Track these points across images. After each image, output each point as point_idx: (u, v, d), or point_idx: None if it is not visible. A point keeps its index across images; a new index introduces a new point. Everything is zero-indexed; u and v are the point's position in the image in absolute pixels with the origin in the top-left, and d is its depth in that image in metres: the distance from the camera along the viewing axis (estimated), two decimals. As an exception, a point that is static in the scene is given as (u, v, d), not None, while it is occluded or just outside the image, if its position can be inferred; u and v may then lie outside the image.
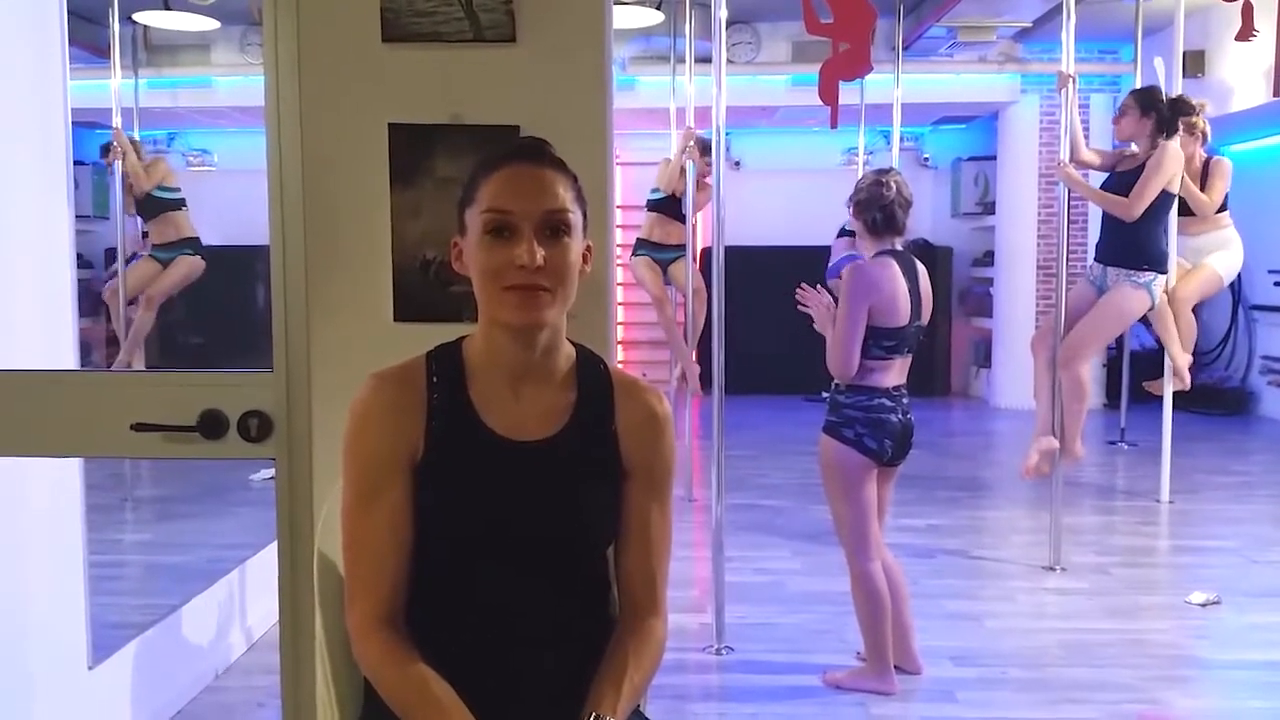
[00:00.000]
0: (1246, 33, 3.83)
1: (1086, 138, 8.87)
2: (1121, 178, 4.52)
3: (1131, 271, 4.28)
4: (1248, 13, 3.79)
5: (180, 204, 5.77)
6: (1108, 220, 4.50)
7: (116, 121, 5.51)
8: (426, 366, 1.38)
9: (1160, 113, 4.37)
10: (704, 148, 5.63)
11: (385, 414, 1.34)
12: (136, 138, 5.86)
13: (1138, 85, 6.72)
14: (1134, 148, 4.60)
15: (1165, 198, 4.34)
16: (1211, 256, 5.43)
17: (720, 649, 3.52)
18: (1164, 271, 4.33)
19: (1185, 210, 5.47)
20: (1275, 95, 4.39)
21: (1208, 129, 5.47)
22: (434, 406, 1.35)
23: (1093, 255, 4.60)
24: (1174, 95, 4.59)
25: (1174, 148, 4.38)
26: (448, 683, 1.29)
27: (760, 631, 3.72)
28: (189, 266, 5.85)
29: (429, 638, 1.34)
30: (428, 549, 1.35)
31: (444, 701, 1.28)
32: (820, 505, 3.59)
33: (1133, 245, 4.31)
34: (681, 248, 6.03)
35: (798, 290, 3.25)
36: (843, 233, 6.60)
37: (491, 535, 1.34)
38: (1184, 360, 5.18)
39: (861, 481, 3.13)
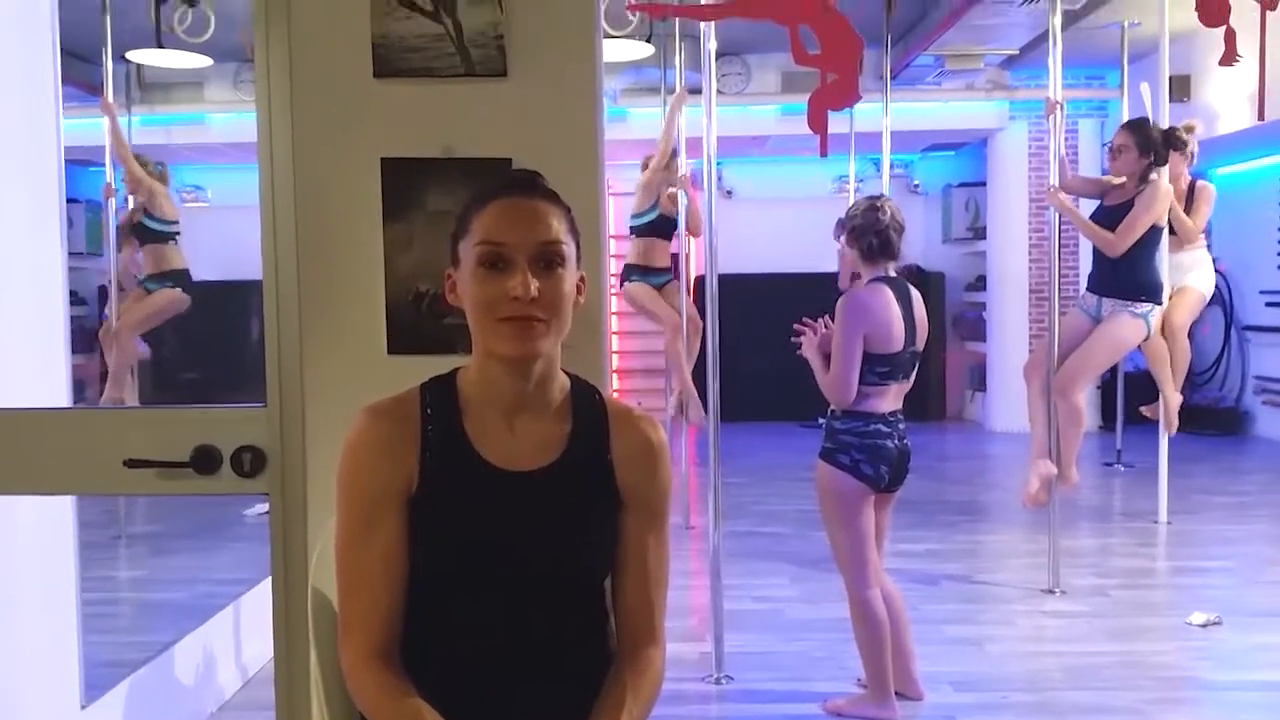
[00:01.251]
0: (1230, 58, 3.87)
1: (1075, 163, 9.03)
2: (1110, 212, 4.52)
3: (1129, 303, 4.29)
4: (1230, 38, 3.83)
5: (169, 237, 5.72)
6: (1100, 251, 4.52)
7: (109, 158, 5.53)
8: (420, 399, 1.38)
9: (1158, 151, 4.39)
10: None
11: (379, 447, 1.34)
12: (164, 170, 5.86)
13: (1125, 110, 6.82)
14: (1123, 179, 4.61)
15: (1155, 230, 4.36)
16: (1191, 277, 5.50)
17: (720, 678, 3.50)
18: (1160, 302, 4.34)
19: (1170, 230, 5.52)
20: (1260, 119, 4.41)
21: (1195, 149, 5.52)
22: (428, 439, 1.35)
23: (1085, 284, 4.60)
24: (1166, 127, 4.60)
25: (1165, 186, 4.40)
26: (443, 717, 1.28)
27: (760, 660, 3.70)
28: (168, 299, 5.74)
29: (424, 671, 1.33)
30: (423, 582, 1.35)
31: None
32: (818, 531, 3.59)
33: (1128, 276, 4.33)
34: (669, 270, 6.03)
35: (797, 326, 3.27)
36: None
37: (487, 567, 1.34)
38: (1175, 401, 5.24)
39: (859, 508, 3.13)
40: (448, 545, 1.34)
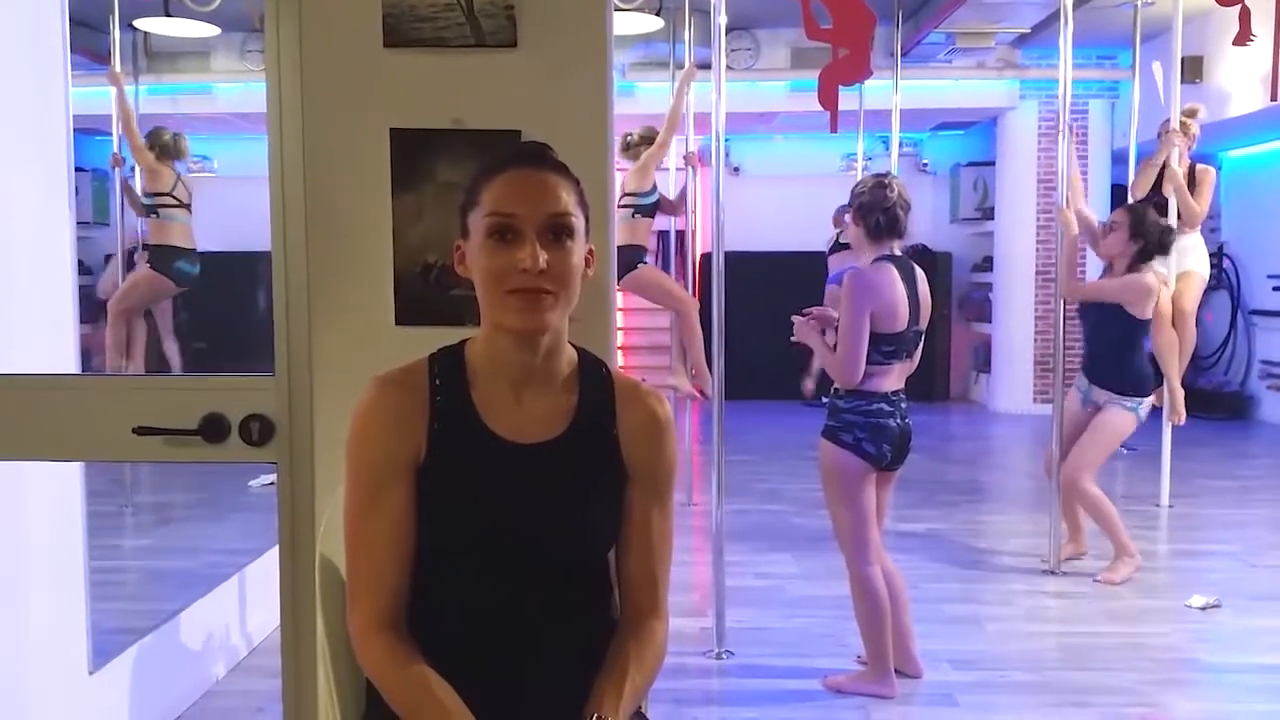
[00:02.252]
0: (1244, 37, 3.84)
1: (1086, 143, 8.96)
2: (1100, 309, 4.42)
3: (1120, 397, 4.34)
4: (1245, 18, 3.80)
5: (152, 210, 5.52)
6: (1094, 339, 4.45)
7: (117, 128, 5.49)
8: (429, 369, 1.38)
9: (1149, 241, 4.26)
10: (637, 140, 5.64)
11: (388, 417, 1.34)
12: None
13: (1136, 91, 6.77)
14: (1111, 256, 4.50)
15: (1141, 324, 4.32)
16: (1191, 260, 5.50)
17: (721, 653, 3.52)
18: (1148, 394, 4.37)
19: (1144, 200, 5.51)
20: (1272, 100, 4.37)
21: (1197, 132, 5.50)
22: (436, 409, 1.35)
23: (1081, 364, 4.57)
24: (1164, 224, 4.42)
25: (1150, 282, 4.29)
26: (449, 684, 1.30)
27: (760, 636, 3.72)
28: (141, 278, 5.60)
29: (429, 640, 1.35)
30: (429, 552, 1.36)
31: (446, 703, 1.28)
32: (819, 509, 3.60)
33: (1118, 370, 4.35)
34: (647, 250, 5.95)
35: (794, 319, 3.28)
36: (835, 248, 6.56)
37: (493, 537, 1.35)
38: (1181, 394, 5.23)
39: (860, 486, 3.14)
40: (454, 515, 1.35)
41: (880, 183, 3.18)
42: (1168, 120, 5.55)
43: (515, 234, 1.30)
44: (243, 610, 3.44)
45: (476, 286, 1.34)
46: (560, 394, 1.39)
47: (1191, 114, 5.54)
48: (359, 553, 1.35)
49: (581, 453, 1.38)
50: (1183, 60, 5.80)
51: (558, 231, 1.31)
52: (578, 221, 1.34)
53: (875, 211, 3.14)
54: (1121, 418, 4.34)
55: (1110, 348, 4.37)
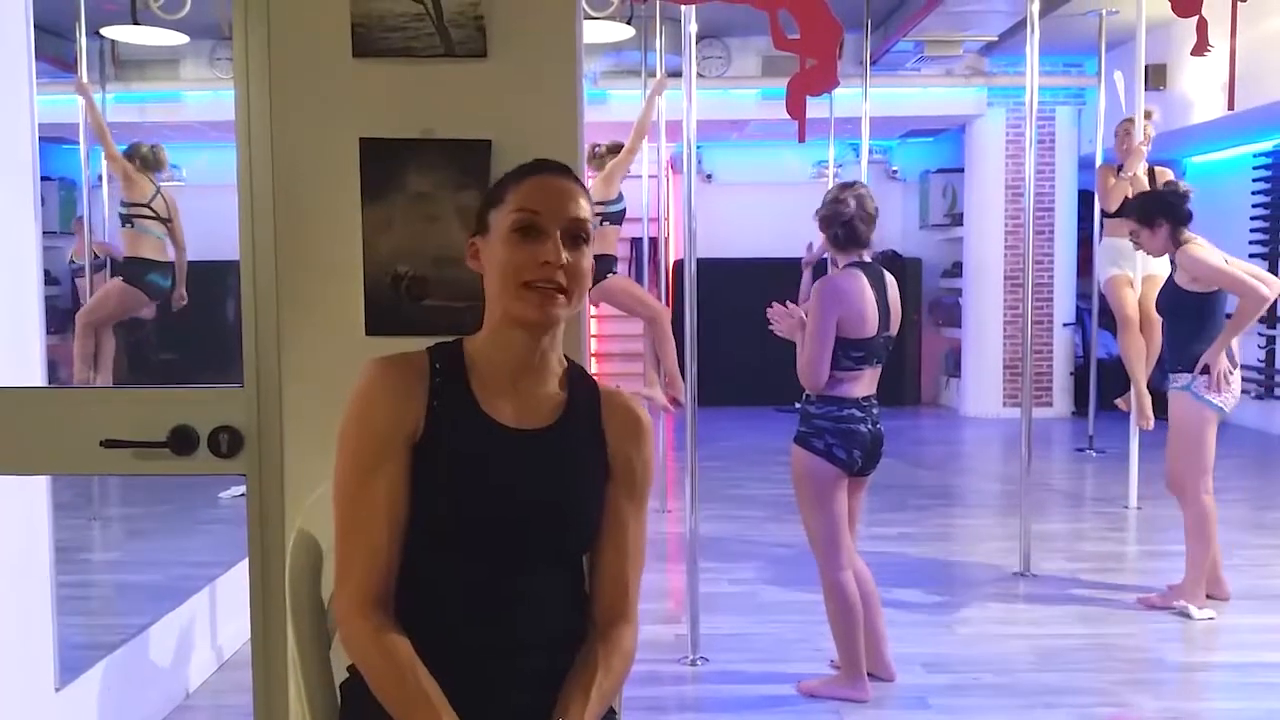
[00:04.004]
0: (1201, 48, 3.91)
1: (1053, 150, 9.08)
2: (1170, 295, 4.15)
3: (1175, 376, 4.03)
4: (1202, 28, 3.88)
5: (128, 220, 5.48)
6: (1173, 330, 4.14)
7: (82, 136, 5.43)
8: (429, 356, 1.42)
9: (1166, 214, 4.02)
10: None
11: (389, 391, 1.37)
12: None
13: (1102, 98, 6.87)
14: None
15: (1211, 299, 3.99)
16: (1155, 264, 5.52)
17: (695, 660, 3.53)
18: (1200, 372, 3.97)
19: (1123, 213, 5.58)
20: (1230, 109, 4.43)
21: (1153, 133, 5.59)
22: (435, 388, 1.39)
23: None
24: (1159, 189, 4.22)
25: (1200, 248, 3.98)
26: (430, 672, 1.30)
27: (735, 642, 3.73)
28: (113, 290, 5.54)
29: (412, 625, 1.35)
30: (418, 532, 1.37)
31: (425, 686, 1.29)
32: (792, 515, 3.61)
33: (1178, 348, 4.05)
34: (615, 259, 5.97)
35: (769, 310, 3.30)
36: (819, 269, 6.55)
37: (483, 518, 1.37)
38: (1148, 399, 5.27)
39: (832, 491, 3.16)
40: (447, 494, 1.36)
41: (837, 197, 3.21)
42: (1125, 120, 5.63)
43: (539, 231, 1.36)
44: (213, 623, 3.41)
45: (489, 279, 1.40)
46: (553, 388, 1.45)
47: (1147, 116, 5.64)
48: (351, 527, 1.36)
49: (572, 443, 1.43)
50: (1146, 68, 5.90)
51: (576, 235, 1.38)
52: (591, 230, 1.42)
53: (835, 224, 3.19)
54: (1179, 402, 4.02)
55: (1181, 326, 4.08)
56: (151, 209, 5.54)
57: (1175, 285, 4.06)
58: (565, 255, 1.35)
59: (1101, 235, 5.91)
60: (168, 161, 5.77)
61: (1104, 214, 5.80)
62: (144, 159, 5.55)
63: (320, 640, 1.46)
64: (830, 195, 3.24)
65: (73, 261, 6.61)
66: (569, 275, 1.36)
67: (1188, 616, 3.93)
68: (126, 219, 5.53)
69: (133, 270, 5.56)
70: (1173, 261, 4.09)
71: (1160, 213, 4.04)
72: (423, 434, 1.37)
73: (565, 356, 1.49)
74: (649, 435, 1.49)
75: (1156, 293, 5.50)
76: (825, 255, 6.42)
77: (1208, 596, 4.06)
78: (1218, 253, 3.99)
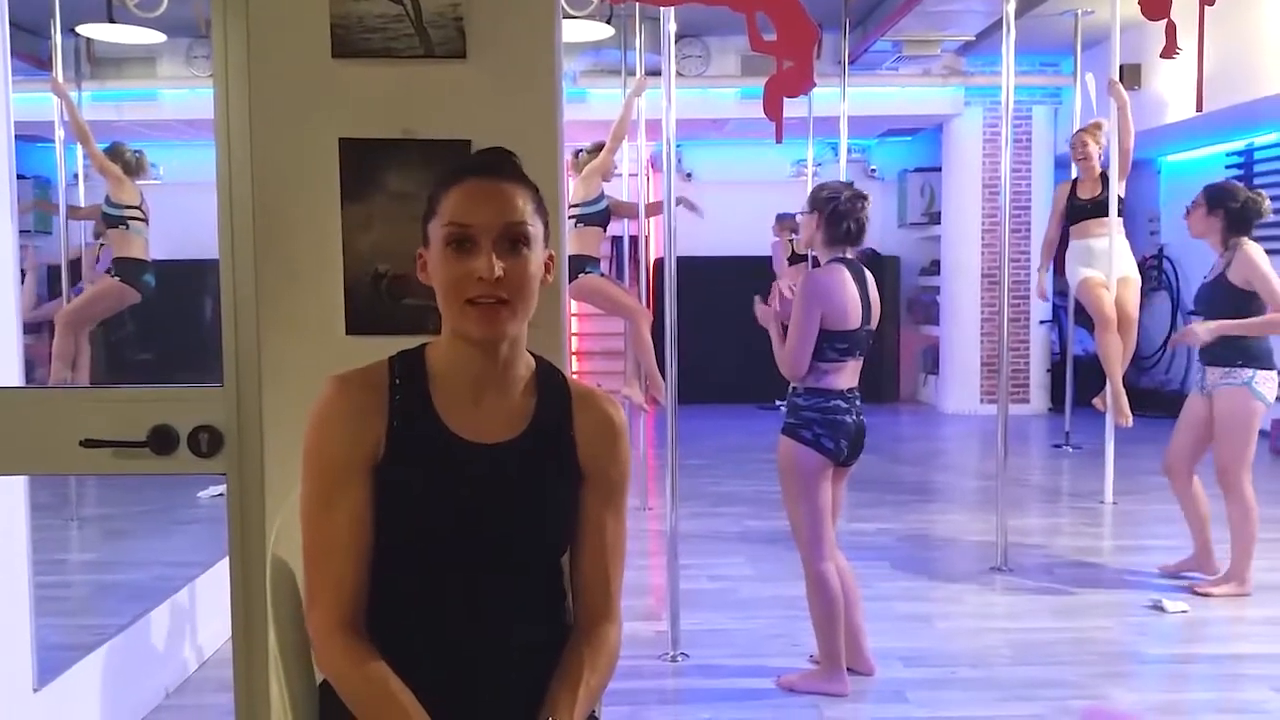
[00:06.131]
0: (1170, 51, 3.96)
1: (1029, 148, 9.17)
2: (1213, 289, 4.24)
3: (1230, 370, 4.08)
4: (1171, 31, 3.93)
5: (119, 221, 5.50)
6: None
7: (58, 135, 5.40)
8: (389, 369, 1.39)
9: (1229, 210, 4.16)
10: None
11: (347, 415, 1.35)
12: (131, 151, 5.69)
13: (1078, 97, 6.94)
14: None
15: (1252, 297, 4.07)
16: (1126, 264, 5.65)
17: (676, 655, 3.55)
18: (1272, 366, 4.06)
19: (1090, 214, 5.67)
20: (1198, 111, 4.49)
21: (1104, 142, 5.75)
22: (395, 407, 1.36)
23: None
24: (1247, 194, 4.24)
25: (1254, 250, 4.10)
26: (406, 685, 1.30)
27: (715, 637, 3.75)
28: (105, 288, 5.55)
29: (387, 641, 1.35)
30: (386, 551, 1.36)
31: (404, 704, 1.29)
32: (773, 512, 3.65)
33: (1227, 341, 4.09)
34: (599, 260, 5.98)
35: (756, 305, 3.40)
36: (794, 259, 6.58)
37: (450, 537, 1.36)
38: (1124, 398, 5.38)
39: (818, 482, 3.20)
40: (412, 514, 1.35)
41: (858, 194, 3.27)
42: (1079, 132, 5.91)
43: (472, 244, 1.32)
44: (193, 623, 3.40)
45: (437, 295, 1.36)
46: (519, 397, 1.41)
47: (1097, 127, 5.85)
48: (317, 552, 1.35)
49: (539, 454, 1.40)
50: (1121, 68, 5.96)
51: (514, 240, 1.33)
52: (535, 229, 1.35)
53: (849, 219, 3.22)
54: (1235, 398, 4.08)
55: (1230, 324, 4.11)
56: (143, 211, 5.58)
57: (1228, 282, 4.16)
58: (500, 266, 1.30)
59: (1069, 239, 5.95)
60: (149, 167, 5.80)
61: (1066, 219, 5.90)
62: (127, 164, 5.57)
63: (301, 638, 1.46)
64: (847, 194, 3.25)
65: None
66: (508, 286, 1.31)
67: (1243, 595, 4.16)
68: (119, 220, 5.55)
69: (128, 270, 5.60)
70: (1227, 263, 4.18)
71: (1225, 207, 4.19)
72: (384, 455, 1.35)
73: (535, 356, 1.46)
74: (622, 436, 1.46)
75: (1131, 294, 5.62)
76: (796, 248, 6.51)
77: (1198, 574, 4.36)
78: (1266, 259, 4.13)
